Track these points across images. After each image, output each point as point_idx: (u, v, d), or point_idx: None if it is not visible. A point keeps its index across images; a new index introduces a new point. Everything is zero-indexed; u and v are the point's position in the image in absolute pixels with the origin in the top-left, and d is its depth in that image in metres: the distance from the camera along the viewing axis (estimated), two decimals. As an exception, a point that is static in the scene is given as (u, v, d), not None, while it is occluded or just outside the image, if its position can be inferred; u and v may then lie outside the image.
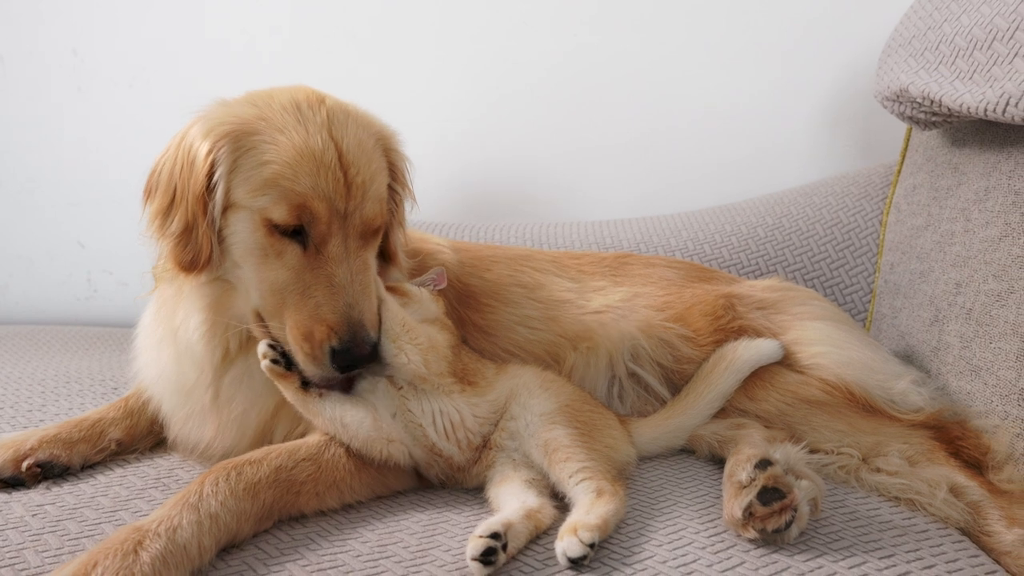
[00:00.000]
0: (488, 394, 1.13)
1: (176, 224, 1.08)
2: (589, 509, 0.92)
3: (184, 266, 1.09)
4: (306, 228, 1.06)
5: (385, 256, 1.23)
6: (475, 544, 0.84)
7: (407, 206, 1.26)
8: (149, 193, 1.13)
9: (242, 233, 1.08)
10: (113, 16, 2.57)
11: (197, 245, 1.07)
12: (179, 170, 1.08)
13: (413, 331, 1.10)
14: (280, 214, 1.04)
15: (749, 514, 0.92)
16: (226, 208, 1.07)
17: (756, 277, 1.80)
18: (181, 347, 1.16)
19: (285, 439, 1.14)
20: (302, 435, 1.13)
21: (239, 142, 1.05)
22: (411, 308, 1.16)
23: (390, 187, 1.20)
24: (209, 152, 1.05)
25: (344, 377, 1.08)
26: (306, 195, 1.04)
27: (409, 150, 1.25)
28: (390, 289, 1.18)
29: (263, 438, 1.15)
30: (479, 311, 1.33)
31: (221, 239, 1.09)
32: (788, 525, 0.91)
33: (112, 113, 2.61)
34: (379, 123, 1.20)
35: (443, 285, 1.26)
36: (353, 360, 1.05)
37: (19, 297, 2.78)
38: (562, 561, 0.87)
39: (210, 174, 1.05)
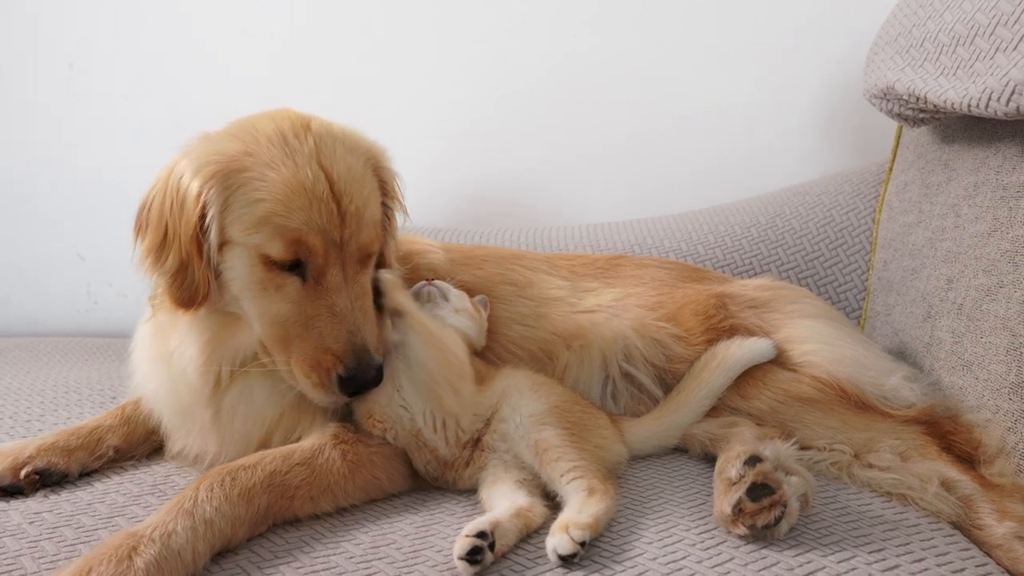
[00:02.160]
0: (484, 392, 1.14)
1: (171, 262, 1.07)
2: (581, 508, 0.93)
3: (182, 303, 1.08)
4: (303, 261, 1.06)
5: (379, 265, 1.24)
6: (461, 543, 0.85)
7: (399, 219, 1.26)
8: (140, 228, 1.12)
9: (240, 269, 1.07)
10: (108, 29, 2.59)
11: (194, 283, 1.07)
12: (169, 209, 1.06)
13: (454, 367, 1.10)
14: (276, 250, 1.04)
15: (739, 510, 0.92)
16: (222, 245, 1.06)
17: (750, 277, 1.79)
18: (175, 373, 1.15)
19: (283, 443, 1.14)
20: (297, 440, 1.14)
21: (228, 180, 1.04)
22: (466, 319, 1.21)
23: (382, 203, 1.20)
24: (199, 193, 1.04)
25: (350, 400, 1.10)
26: (300, 231, 1.04)
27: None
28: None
29: (266, 448, 1.16)
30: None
31: (218, 274, 1.09)
32: (777, 521, 0.91)
33: (109, 124, 2.63)
34: (367, 142, 1.18)
35: (488, 311, 1.31)
36: (360, 385, 1.07)
37: (19, 310, 2.79)
38: (552, 558, 0.87)
39: (202, 215, 1.04)
